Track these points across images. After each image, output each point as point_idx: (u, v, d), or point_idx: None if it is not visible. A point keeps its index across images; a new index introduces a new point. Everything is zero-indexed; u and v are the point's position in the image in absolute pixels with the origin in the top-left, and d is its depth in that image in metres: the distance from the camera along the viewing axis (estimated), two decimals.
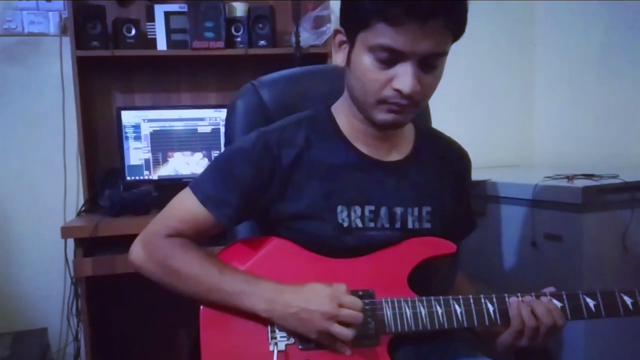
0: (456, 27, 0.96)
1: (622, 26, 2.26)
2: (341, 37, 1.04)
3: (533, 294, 1.03)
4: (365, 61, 0.98)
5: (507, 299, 1.03)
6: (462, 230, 1.23)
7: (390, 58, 0.96)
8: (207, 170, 1.10)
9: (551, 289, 1.05)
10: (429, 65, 0.98)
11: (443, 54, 0.98)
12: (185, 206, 1.06)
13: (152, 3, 2.28)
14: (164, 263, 1.03)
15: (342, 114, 1.12)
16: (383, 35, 0.94)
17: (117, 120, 2.22)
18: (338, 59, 1.05)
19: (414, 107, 1.02)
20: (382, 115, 1.03)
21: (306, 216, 1.06)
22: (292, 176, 1.06)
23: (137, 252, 1.06)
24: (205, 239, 1.09)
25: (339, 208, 1.06)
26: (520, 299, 1.02)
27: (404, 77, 0.96)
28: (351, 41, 1.01)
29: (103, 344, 2.23)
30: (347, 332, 0.97)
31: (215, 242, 1.19)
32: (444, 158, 1.18)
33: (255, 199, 1.07)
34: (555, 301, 1.02)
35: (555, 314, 1.01)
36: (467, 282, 1.27)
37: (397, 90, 0.97)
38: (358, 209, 1.07)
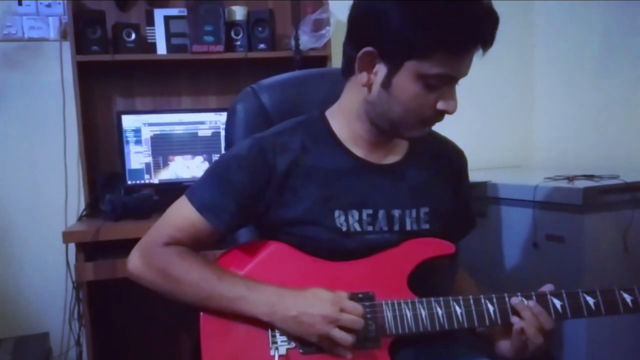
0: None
1: (621, 26, 2.26)
2: (373, 59, 1.00)
3: (533, 293, 1.03)
4: (414, 87, 0.98)
5: (507, 299, 1.03)
6: (461, 229, 1.23)
7: (441, 83, 0.98)
8: (203, 177, 1.10)
9: (550, 286, 1.05)
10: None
11: None
12: (182, 214, 1.06)
13: (151, 7, 2.29)
14: (163, 272, 1.03)
15: (340, 119, 1.11)
16: (442, 64, 0.95)
17: (118, 125, 2.22)
18: (363, 79, 1.02)
19: None
20: (415, 132, 1.05)
21: (304, 221, 1.06)
22: (288, 181, 1.06)
23: (135, 261, 1.06)
24: (203, 246, 1.09)
25: (337, 213, 1.06)
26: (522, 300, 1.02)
27: (450, 99, 1.00)
28: (394, 66, 0.98)
29: (105, 348, 2.22)
30: (347, 337, 0.97)
31: (216, 246, 1.18)
32: (439, 157, 1.18)
33: (251, 205, 1.07)
34: (555, 300, 1.02)
35: (542, 317, 1.00)
36: (469, 281, 1.27)
37: (442, 111, 1.00)
38: (356, 213, 1.06)
